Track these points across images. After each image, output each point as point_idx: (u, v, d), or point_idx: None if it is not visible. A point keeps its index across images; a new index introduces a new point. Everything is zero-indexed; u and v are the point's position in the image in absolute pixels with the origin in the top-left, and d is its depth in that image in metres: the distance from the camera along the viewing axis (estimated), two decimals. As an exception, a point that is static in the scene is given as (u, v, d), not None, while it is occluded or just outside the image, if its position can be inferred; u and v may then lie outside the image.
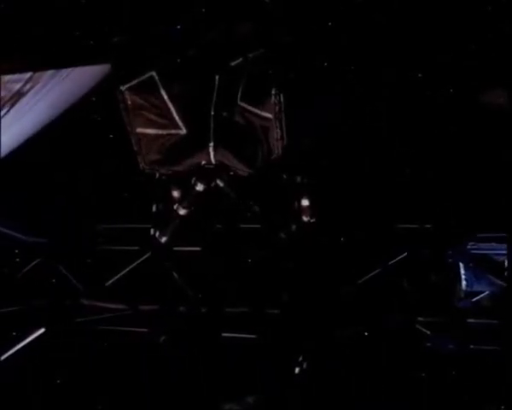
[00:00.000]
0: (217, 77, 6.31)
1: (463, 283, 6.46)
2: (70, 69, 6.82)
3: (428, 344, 6.46)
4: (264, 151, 6.42)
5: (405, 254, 6.73)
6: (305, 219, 6.81)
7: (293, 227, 6.66)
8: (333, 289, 6.83)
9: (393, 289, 6.73)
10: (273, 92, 6.18)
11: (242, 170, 6.48)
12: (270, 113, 6.25)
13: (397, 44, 6.27)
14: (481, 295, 6.61)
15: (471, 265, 6.40)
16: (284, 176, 6.57)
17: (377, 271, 6.83)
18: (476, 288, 6.48)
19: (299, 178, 6.65)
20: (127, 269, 7.20)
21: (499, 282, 6.41)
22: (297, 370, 6.57)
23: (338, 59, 6.43)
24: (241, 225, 6.82)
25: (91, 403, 6.48)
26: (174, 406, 6.45)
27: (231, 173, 6.62)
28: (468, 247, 6.41)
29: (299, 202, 6.75)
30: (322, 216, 6.88)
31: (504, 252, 6.40)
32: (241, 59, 6.25)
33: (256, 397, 6.47)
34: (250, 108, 6.31)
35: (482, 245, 6.43)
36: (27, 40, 6.18)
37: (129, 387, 6.54)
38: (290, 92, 6.29)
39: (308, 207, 6.78)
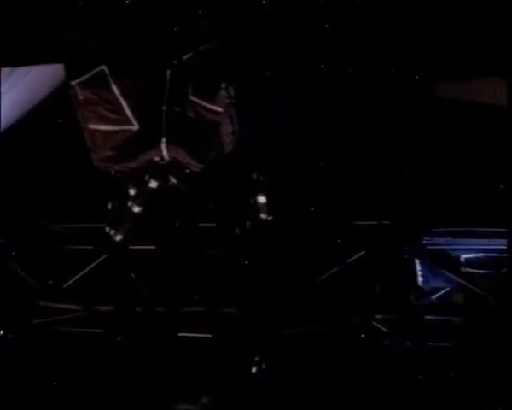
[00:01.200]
0: (168, 71, 6.26)
1: (420, 279, 6.35)
2: (28, 68, 6.79)
3: (386, 342, 6.32)
4: (217, 146, 6.35)
5: (363, 251, 6.59)
6: (262, 216, 6.72)
7: (248, 224, 6.56)
8: (292, 288, 6.73)
9: (352, 286, 6.62)
10: (223, 86, 6.12)
11: (195, 166, 6.43)
12: (221, 107, 6.19)
13: (389, 44, 6.23)
14: (441, 292, 6.47)
15: (427, 261, 6.28)
16: (238, 172, 6.49)
17: (336, 269, 6.69)
18: (433, 284, 6.37)
19: (254, 175, 6.57)
20: (87, 269, 7.10)
21: (455, 278, 6.28)
22: (254, 369, 6.45)
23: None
24: (197, 223, 6.72)
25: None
26: (130, 406, 6.33)
27: (187, 171, 6.54)
28: (424, 242, 6.29)
29: (255, 199, 6.65)
30: (280, 214, 6.79)
31: (459, 247, 6.30)
32: (191, 53, 6.19)
33: (211, 397, 6.37)
34: (201, 102, 6.28)
35: (438, 240, 6.32)
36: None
37: (84, 388, 6.44)
38: (243, 87, 6.23)
39: (265, 204, 6.69)
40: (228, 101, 6.13)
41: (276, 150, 6.53)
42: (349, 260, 6.73)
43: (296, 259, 6.79)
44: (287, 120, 6.46)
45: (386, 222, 6.65)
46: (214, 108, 6.23)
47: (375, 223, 6.69)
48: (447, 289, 6.49)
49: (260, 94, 6.37)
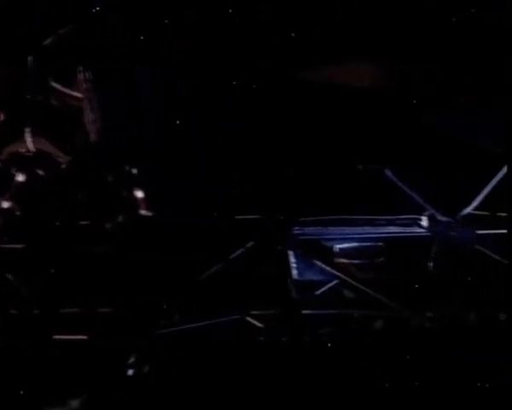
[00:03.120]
0: (30, 58, 6.07)
1: (294, 272, 6.06)
2: None
3: (261, 338, 6.03)
4: (81, 136, 6.14)
5: (243, 248, 6.33)
6: (142, 212, 6.48)
7: (120, 218, 6.31)
8: (172, 285, 6.47)
9: (232, 283, 6.35)
10: (79, 70, 5.92)
11: (61, 157, 6.21)
12: (80, 92, 5.99)
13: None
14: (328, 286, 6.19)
15: (299, 252, 6.00)
16: (109, 164, 6.27)
17: (218, 266, 6.43)
18: (308, 276, 6.08)
19: (127, 168, 6.34)
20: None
21: (329, 269, 6.00)
22: (131, 371, 6.18)
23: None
24: (68, 218, 6.48)
25: None
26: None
27: (57, 163, 6.33)
28: (296, 232, 6.01)
29: (131, 192, 6.42)
30: (161, 209, 6.55)
31: (333, 236, 6.03)
32: (51, 38, 6.01)
33: (82, 400, 6.11)
34: (62, 88, 6.07)
35: (309, 230, 6.04)
36: None
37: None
38: (104, 71, 6.05)
39: (143, 199, 6.45)
40: (86, 86, 5.92)
41: (150, 140, 6.31)
42: (232, 256, 6.43)
43: (178, 255, 6.52)
44: (161, 107, 6.25)
45: (264, 216, 6.38)
46: (75, 94, 6.02)
47: (256, 217, 6.43)
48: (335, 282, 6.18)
49: (129, 79, 6.17)
